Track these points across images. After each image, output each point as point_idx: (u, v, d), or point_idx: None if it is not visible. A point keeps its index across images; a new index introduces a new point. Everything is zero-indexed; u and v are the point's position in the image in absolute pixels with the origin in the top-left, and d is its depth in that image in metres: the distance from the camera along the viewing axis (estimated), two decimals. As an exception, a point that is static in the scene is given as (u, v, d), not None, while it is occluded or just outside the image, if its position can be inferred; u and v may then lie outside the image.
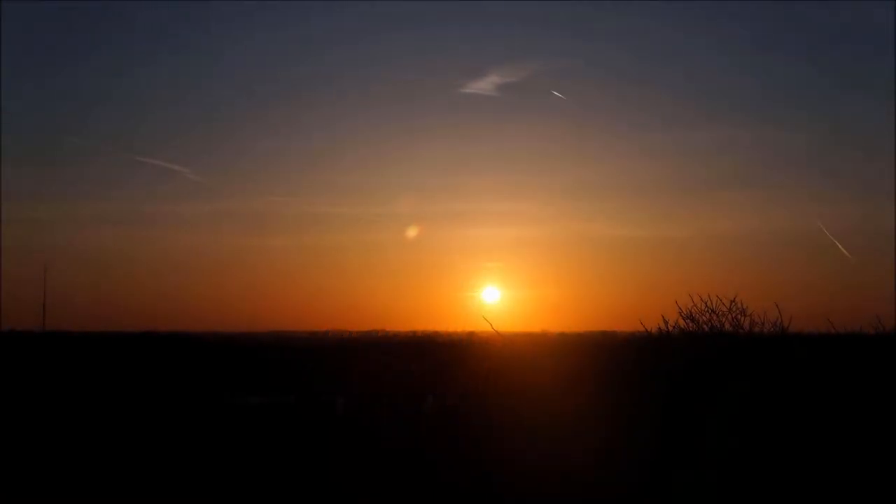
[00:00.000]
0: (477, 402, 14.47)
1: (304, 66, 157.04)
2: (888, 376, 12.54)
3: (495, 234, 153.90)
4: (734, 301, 13.61)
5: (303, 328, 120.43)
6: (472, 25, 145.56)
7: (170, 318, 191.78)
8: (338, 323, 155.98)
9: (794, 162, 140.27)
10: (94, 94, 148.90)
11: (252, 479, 16.19)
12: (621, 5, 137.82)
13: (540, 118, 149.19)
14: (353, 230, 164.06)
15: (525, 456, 12.70)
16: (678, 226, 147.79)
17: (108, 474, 16.84)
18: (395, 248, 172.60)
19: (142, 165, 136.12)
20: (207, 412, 23.70)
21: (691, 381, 12.72)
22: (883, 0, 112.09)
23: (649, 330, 14.09)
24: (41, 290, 64.45)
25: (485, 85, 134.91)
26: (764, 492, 11.63)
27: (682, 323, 13.81)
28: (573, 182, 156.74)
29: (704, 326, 13.69)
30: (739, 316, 13.58)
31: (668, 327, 13.86)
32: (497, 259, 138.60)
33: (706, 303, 13.67)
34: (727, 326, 13.62)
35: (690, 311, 13.76)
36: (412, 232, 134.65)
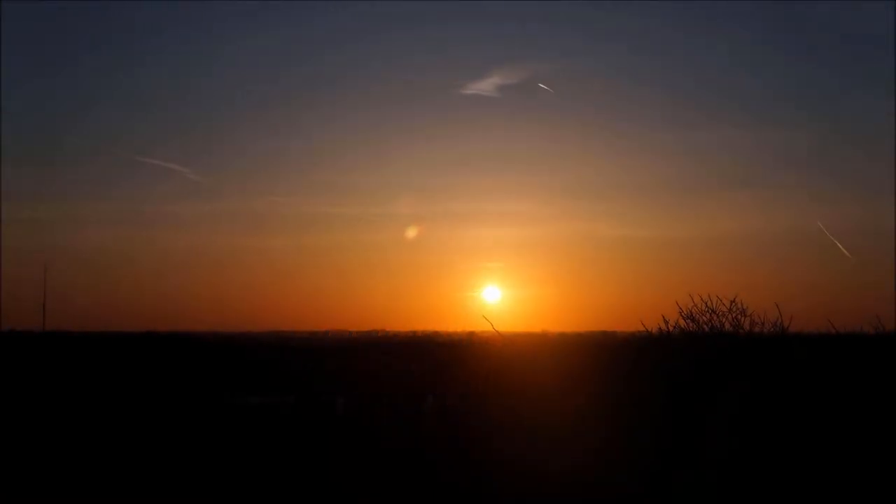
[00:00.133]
0: (477, 402, 14.47)
1: (304, 66, 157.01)
2: (888, 376, 12.54)
3: (495, 234, 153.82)
4: (734, 301, 13.63)
5: (303, 328, 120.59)
6: (473, 25, 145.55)
7: (170, 318, 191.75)
8: (338, 323, 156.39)
9: (794, 162, 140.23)
10: (94, 94, 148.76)
11: (252, 479, 16.19)
12: (621, 5, 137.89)
13: (540, 118, 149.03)
14: (353, 230, 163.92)
15: (525, 456, 12.70)
16: (678, 225, 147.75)
17: (109, 474, 16.84)
18: (394, 249, 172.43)
19: (141, 165, 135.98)
20: (207, 412, 23.69)
21: (691, 382, 12.72)
22: (883, 0, 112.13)
23: (649, 330, 14.09)
24: (41, 290, 64.36)
25: (486, 86, 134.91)
26: (764, 492, 11.64)
27: (682, 323, 13.82)
28: (573, 182, 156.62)
29: (705, 326, 13.70)
30: (739, 316, 13.59)
31: (668, 327, 13.87)
32: (497, 259, 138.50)
33: (706, 303, 13.69)
34: (727, 326, 13.63)
35: (691, 312, 13.77)
36: (412, 232, 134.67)
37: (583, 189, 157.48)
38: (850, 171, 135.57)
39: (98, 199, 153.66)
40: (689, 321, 13.77)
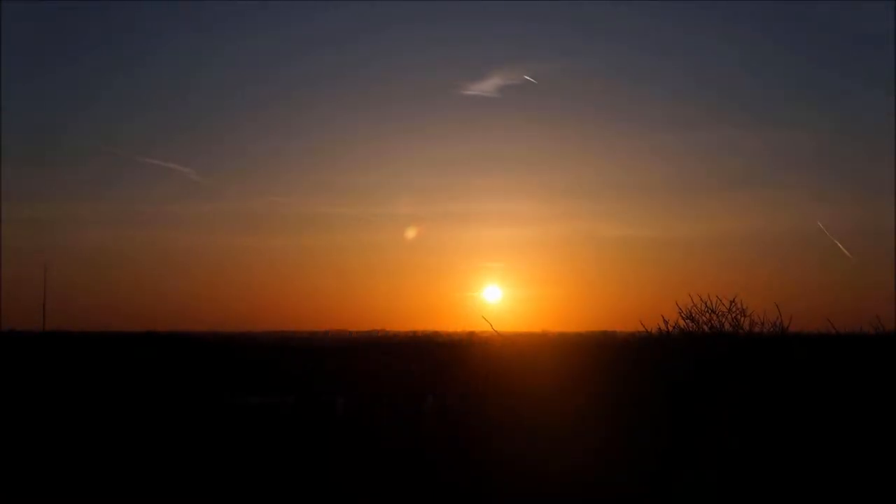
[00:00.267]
0: (477, 402, 14.48)
1: (304, 66, 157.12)
2: (888, 376, 12.54)
3: (495, 234, 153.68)
4: (734, 301, 13.64)
5: (303, 328, 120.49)
6: (473, 25, 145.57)
7: (170, 319, 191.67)
8: (338, 323, 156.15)
9: (794, 162, 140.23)
10: (94, 93, 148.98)
11: (252, 479, 16.19)
12: (621, 5, 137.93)
13: (540, 118, 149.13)
14: (353, 230, 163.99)
15: (525, 456, 12.70)
16: (679, 226, 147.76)
17: (109, 474, 16.84)
18: (394, 249, 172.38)
19: (141, 165, 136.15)
20: (207, 412, 23.68)
21: (691, 382, 12.72)
22: (883, 0, 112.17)
23: (649, 330, 14.10)
24: (41, 290, 64.43)
25: (486, 86, 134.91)
26: (764, 492, 11.64)
27: (682, 323, 13.83)
28: (573, 182, 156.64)
29: (704, 327, 13.70)
30: (739, 316, 13.60)
31: (668, 327, 13.88)
32: (497, 259, 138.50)
33: (706, 303, 13.70)
34: (727, 327, 13.63)
35: (690, 312, 13.78)
36: (411, 233, 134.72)
37: (583, 189, 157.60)
38: (850, 171, 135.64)
39: (98, 199, 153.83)
40: (689, 321, 13.79)
